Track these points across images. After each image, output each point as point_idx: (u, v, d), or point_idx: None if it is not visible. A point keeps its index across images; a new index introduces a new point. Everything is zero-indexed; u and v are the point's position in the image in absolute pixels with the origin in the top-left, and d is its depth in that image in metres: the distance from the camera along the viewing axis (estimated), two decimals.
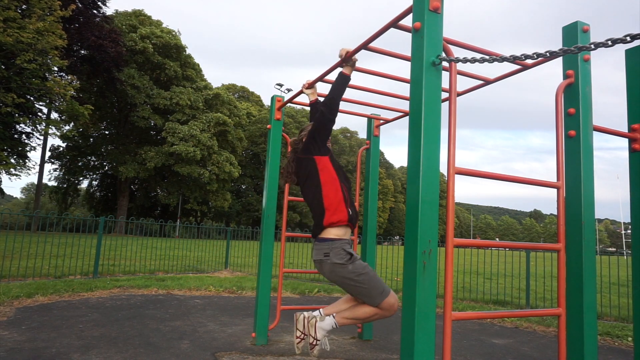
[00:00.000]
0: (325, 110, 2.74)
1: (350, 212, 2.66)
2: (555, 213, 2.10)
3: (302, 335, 2.68)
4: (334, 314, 2.66)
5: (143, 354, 3.53)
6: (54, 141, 53.14)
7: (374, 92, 3.70)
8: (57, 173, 40.65)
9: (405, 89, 3.19)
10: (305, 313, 2.73)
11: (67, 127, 27.70)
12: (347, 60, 2.78)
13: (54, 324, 4.43)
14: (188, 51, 39.20)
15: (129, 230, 24.77)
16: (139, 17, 35.90)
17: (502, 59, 1.97)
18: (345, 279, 2.53)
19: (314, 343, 2.64)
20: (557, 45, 2.53)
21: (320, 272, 2.72)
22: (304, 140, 2.90)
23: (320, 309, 2.75)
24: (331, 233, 2.61)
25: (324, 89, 3.46)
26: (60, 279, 7.46)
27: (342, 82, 2.77)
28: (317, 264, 2.68)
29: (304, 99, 4.06)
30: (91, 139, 38.01)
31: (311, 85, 3.39)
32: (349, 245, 2.62)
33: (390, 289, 2.61)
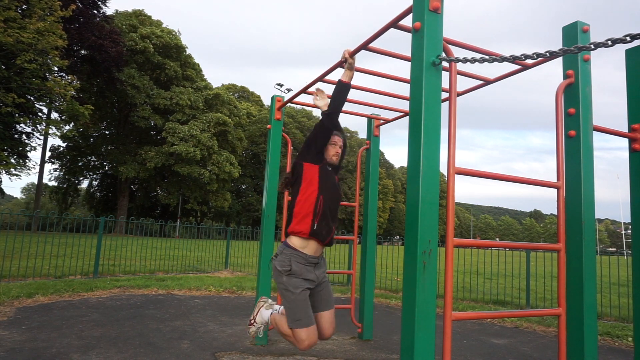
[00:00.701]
0: (325, 120, 2.69)
1: (315, 227, 2.54)
2: (555, 213, 2.10)
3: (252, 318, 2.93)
4: (276, 312, 2.82)
5: (143, 354, 3.53)
6: (54, 141, 53.14)
7: (374, 92, 3.70)
8: (57, 173, 40.70)
9: (405, 89, 3.20)
10: (269, 299, 2.94)
11: (67, 127, 27.69)
12: (347, 60, 2.75)
13: (54, 324, 4.43)
14: (188, 51, 39.23)
15: (129, 230, 24.77)
16: (139, 17, 35.90)
17: (502, 59, 1.97)
18: (277, 285, 2.61)
19: (251, 322, 2.89)
20: (556, 45, 2.53)
21: None
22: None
23: (277, 305, 2.93)
24: (292, 240, 2.58)
25: (323, 89, 3.45)
26: (61, 279, 7.46)
27: (342, 91, 2.71)
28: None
29: (304, 99, 4.06)
30: (91, 139, 38.01)
31: (321, 94, 3.01)
32: (302, 259, 2.52)
33: (311, 326, 2.47)
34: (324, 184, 2.65)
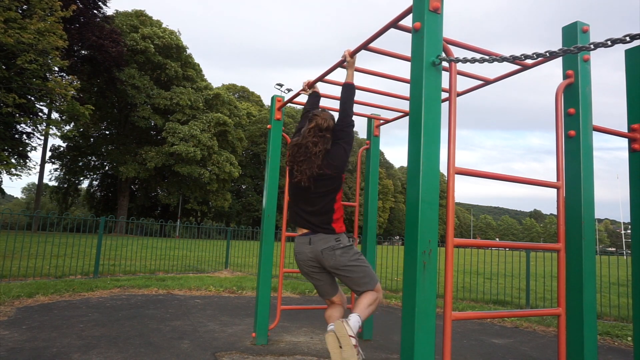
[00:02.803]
0: (348, 130, 2.81)
1: (345, 229, 2.86)
2: (555, 213, 2.10)
3: (354, 339, 2.42)
4: (356, 313, 2.54)
5: (143, 354, 3.53)
6: (55, 141, 53.15)
7: (374, 92, 3.70)
8: (57, 173, 40.71)
9: (405, 89, 3.19)
10: (335, 324, 2.49)
11: (67, 127, 27.71)
12: (347, 60, 2.83)
13: (54, 323, 4.44)
14: (188, 51, 39.23)
15: (129, 230, 24.78)
16: (139, 18, 35.91)
17: (502, 59, 1.98)
18: (345, 265, 2.67)
19: (356, 344, 2.41)
20: (556, 45, 2.53)
21: (322, 263, 2.69)
22: (336, 158, 2.76)
23: (331, 324, 2.64)
24: (337, 227, 2.78)
25: (323, 89, 3.46)
26: (61, 279, 7.47)
27: (349, 93, 2.85)
28: (322, 253, 2.67)
29: (304, 99, 4.06)
30: (91, 139, 38.03)
31: (311, 85, 3.40)
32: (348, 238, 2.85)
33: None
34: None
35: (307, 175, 2.71)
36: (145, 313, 5.19)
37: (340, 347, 2.38)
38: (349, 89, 2.85)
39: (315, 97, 3.37)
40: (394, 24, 2.31)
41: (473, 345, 4.46)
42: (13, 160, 22.93)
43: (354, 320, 2.50)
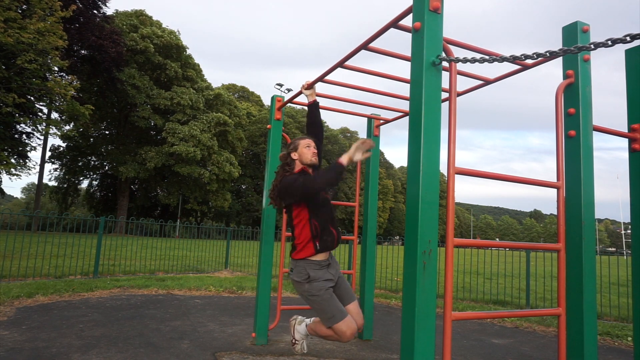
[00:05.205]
0: (318, 181, 2.66)
1: (319, 247, 2.73)
2: (555, 213, 2.10)
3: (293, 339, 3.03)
4: (309, 322, 2.94)
5: (143, 354, 3.53)
6: (54, 141, 53.22)
7: (374, 92, 3.70)
8: (57, 173, 40.69)
9: (405, 89, 3.20)
10: (298, 316, 3.07)
11: (67, 127, 27.70)
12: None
13: (54, 323, 4.43)
14: (188, 51, 39.21)
15: (129, 230, 24.74)
16: (139, 17, 35.89)
17: (502, 59, 1.97)
18: (302, 295, 2.75)
19: (293, 342, 3.00)
20: (556, 45, 2.53)
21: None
22: (278, 186, 2.86)
23: (307, 318, 3.02)
24: (300, 254, 2.79)
25: (323, 89, 3.46)
26: (61, 279, 7.46)
27: (331, 170, 2.66)
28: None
29: (304, 99, 4.06)
30: (91, 139, 38.01)
31: (310, 86, 3.41)
32: (315, 265, 2.73)
33: (346, 317, 2.66)
34: (313, 207, 2.79)
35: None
36: (145, 313, 5.19)
37: (294, 339, 3.00)
38: (337, 166, 2.65)
39: (314, 109, 3.33)
40: (394, 23, 2.30)
41: (473, 345, 4.46)
42: (13, 160, 22.91)
43: (303, 328, 2.96)
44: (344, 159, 2.66)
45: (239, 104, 46.67)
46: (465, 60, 1.96)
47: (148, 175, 36.64)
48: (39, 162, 34.13)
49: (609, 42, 1.56)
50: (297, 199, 2.75)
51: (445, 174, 1.91)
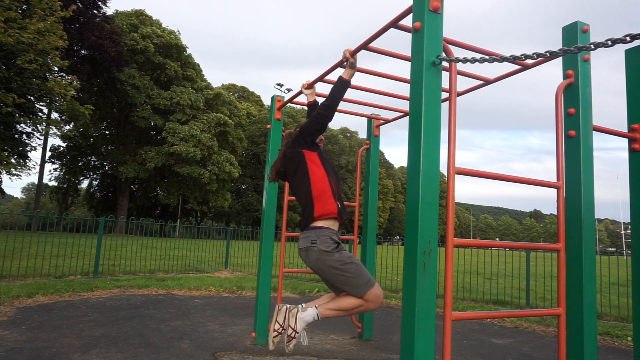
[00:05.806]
0: (322, 111, 2.72)
1: (340, 206, 2.63)
2: (555, 213, 2.10)
3: (281, 329, 2.56)
4: (317, 306, 2.57)
5: (143, 354, 3.53)
6: (55, 141, 53.22)
7: (374, 92, 3.70)
8: (57, 173, 40.67)
9: (405, 89, 3.20)
10: (288, 305, 2.65)
11: (67, 127, 27.71)
12: (349, 60, 2.77)
13: (54, 323, 4.43)
14: (188, 51, 39.21)
15: (129, 230, 24.74)
16: (139, 17, 35.89)
17: (502, 59, 1.98)
18: (330, 267, 2.46)
19: (292, 335, 2.52)
20: (556, 45, 2.54)
21: (305, 262, 2.62)
22: (293, 135, 2.89)
23: (302, 303, 2.65)
24: (321, 223, 2.58)
25: (323, 89, 3.46)
26: (61, 279, 7.46)
27: (341, 86, 2.75)
28: (302, 252, 2.59)
29: (303, 99, 4.06)
30: (91, 139, 38.00)
31: (310, 86, 3.41)
32: (336, 235, 2.57)
33: (375, 281, 2.53)
34: (328, 167, 2.75)
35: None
36: (145, 313, 5.19)
37: (281, 326, 2.55)
38: (341, 82, 2.72)
39: (314, 109, 3.28)
40: (394, 23, 2.30)
41: (473, 345, 4.46)
42: (13, 160, 22.90)
43: (309, 314, 2.52)
44: (346, 75, 2.72)
45: (239, 104, 46.65)
46: (465, 60, 1.96)
47: (148, 175, 36.63)
48: (39, 162, 34.16)
49: (609, 42, 1.56)
50: (320, 127, 2.70)
51: (445, 174, 1.91)
